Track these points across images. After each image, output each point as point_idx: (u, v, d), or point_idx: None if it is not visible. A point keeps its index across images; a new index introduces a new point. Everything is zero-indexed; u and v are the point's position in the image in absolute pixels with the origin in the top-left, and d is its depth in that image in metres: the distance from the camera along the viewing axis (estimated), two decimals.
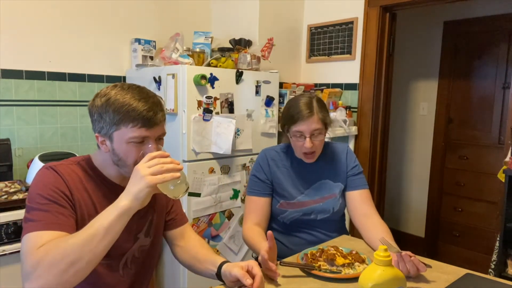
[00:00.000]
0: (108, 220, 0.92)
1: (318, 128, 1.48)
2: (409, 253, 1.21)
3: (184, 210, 1.49)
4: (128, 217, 0.95)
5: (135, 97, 1.02)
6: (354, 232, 1.78)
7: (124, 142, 1.02)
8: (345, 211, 1.65)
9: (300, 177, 1.60)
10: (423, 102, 3.63)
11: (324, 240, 1.56)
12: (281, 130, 1.64)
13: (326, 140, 1.64)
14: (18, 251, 1.68)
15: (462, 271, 1.24)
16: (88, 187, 1.07)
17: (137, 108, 1.00)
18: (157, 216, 1.23)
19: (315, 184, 1.59)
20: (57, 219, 0.96)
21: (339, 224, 1.66)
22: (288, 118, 1.52)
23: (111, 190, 1.11)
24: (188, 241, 1.31)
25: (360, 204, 1.56)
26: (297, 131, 1.48)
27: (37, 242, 0.91)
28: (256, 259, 1.66)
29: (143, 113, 1.00)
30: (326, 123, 1.52)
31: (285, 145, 1.67)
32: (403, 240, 3.58)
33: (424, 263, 1.20)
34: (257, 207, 1.57)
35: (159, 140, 1.08)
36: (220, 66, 2.33)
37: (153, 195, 1.22)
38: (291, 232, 1.60)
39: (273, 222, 1.64)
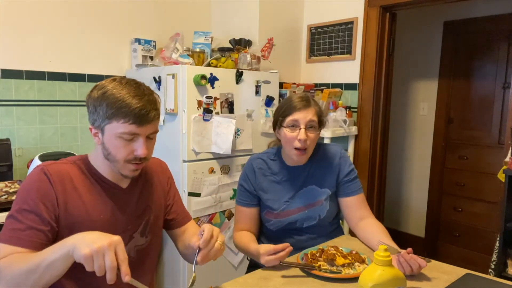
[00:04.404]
0: (51, 258, 0.88)
1: (314, 121, 1.45)
2: (408, 250, 1.21)
3: None
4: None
5: (130, 93, 1.02)
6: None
7: (114, 137, 1.03)
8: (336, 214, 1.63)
9: (286, 184, 1.55)
10: (423, 102, 3.63)
11: (314, 245, 1.50)
12: (272, 131, 1.58)
13: (320, 142, 1.60)
14: None
15: (462, 271, 1.24)
16: (79, 187, 1.07)
17: (130, 104, 1.00)
18: (154, 216, 1.22)
19: (301, 191, 1.54)
20: (24, 233, 0.97)
21: (329, 228, 1.60)
22: (283, 110, 1.47)
23: (106, 189, 1.11)
24: (189, 232, 1.30)
25: (357, 209, 1.53)
26: (292, 120, 1.43)
27: None
28: (250, 262, 1.66)
29: (136, 110, 1.00)
30: (321, 120, 1.49)
31: (272, 151, 1.61)
32: (403, 240, 3.58)
33: (424, 258, 1.20)
34: (245, 218, 1.56)
35: (149, 138, 1.08)
36: (220, 66, 2.33)
37: (150, 195, 1.22)
38: (278, 238, 1.55)
39: (262, 227, 1.63)
